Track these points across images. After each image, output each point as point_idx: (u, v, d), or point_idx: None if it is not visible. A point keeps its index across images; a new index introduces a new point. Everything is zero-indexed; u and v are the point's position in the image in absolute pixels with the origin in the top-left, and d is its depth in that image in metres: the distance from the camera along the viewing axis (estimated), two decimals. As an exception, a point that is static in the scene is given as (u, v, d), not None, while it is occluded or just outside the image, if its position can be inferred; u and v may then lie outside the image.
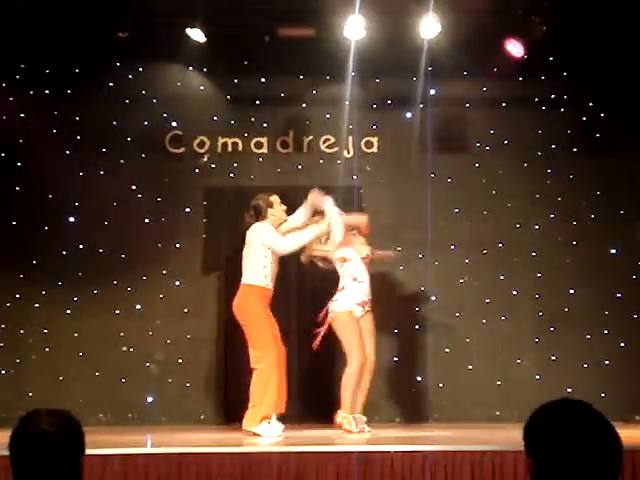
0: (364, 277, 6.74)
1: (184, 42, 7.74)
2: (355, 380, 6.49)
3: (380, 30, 7.58)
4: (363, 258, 6.79)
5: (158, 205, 8.00)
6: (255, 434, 6.37)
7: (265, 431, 6.40)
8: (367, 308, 6.73)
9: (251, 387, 6.57)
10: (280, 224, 6.86)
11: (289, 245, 6.71)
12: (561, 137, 8.11)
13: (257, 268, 6.68)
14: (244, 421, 6.54)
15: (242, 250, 6.88)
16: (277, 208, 6.84)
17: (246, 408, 6.67)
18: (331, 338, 6.71)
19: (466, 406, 7.81)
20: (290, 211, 6.94)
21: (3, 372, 7.86)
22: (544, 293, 7.98)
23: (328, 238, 6.79)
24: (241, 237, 7.91)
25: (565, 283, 7.96)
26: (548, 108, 8.10)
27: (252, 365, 6.59)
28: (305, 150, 8.17)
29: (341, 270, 6.77)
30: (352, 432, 6.40)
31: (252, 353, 6.60)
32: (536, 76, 8.02)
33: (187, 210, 8.07)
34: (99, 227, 7.92)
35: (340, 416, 6.51)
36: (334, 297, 6.68)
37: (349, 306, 6.65)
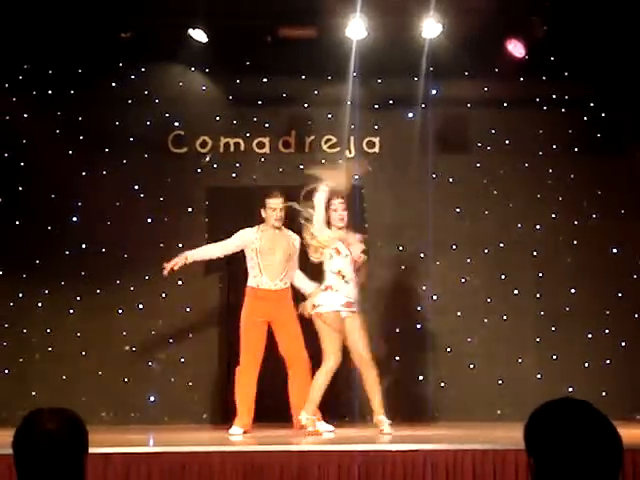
0: (350, 277, 6.33)
1: (186, 42, 7.76)
2: (327, 381, 6.29)
3: (382, 30, 7.59)
4: (354, 258, 6.35)
5: (160, 205, 8.01)
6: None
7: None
8: (353, 308, 6.34)
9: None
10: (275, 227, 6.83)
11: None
12: (562, 137, 8.12)
13: (249, 269, 6.91)
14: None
15: (243, 250, 6.93)
16: (267, 212, 6.84)
17: (249, 407, 6.69)
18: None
19: (467, 405, 7.82)
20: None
21: (6, 371, 7.88)
22: (545, 292, 7.98)
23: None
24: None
25: (566, 282, 7.96)
26: (549, 108, 8.11)
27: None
28: (307, 150, 8.17)
29: (328, 266, 6.34)
30: (319, 434, 6.32)
31: None
32: (537, 76, 8.03)
33: (189, 210, 8.08)
34: (102, 227, 7.94)
35: (305, 417, 6.26)
36: (318, 296, 6.34)
37: (335, 307, 6.28)
